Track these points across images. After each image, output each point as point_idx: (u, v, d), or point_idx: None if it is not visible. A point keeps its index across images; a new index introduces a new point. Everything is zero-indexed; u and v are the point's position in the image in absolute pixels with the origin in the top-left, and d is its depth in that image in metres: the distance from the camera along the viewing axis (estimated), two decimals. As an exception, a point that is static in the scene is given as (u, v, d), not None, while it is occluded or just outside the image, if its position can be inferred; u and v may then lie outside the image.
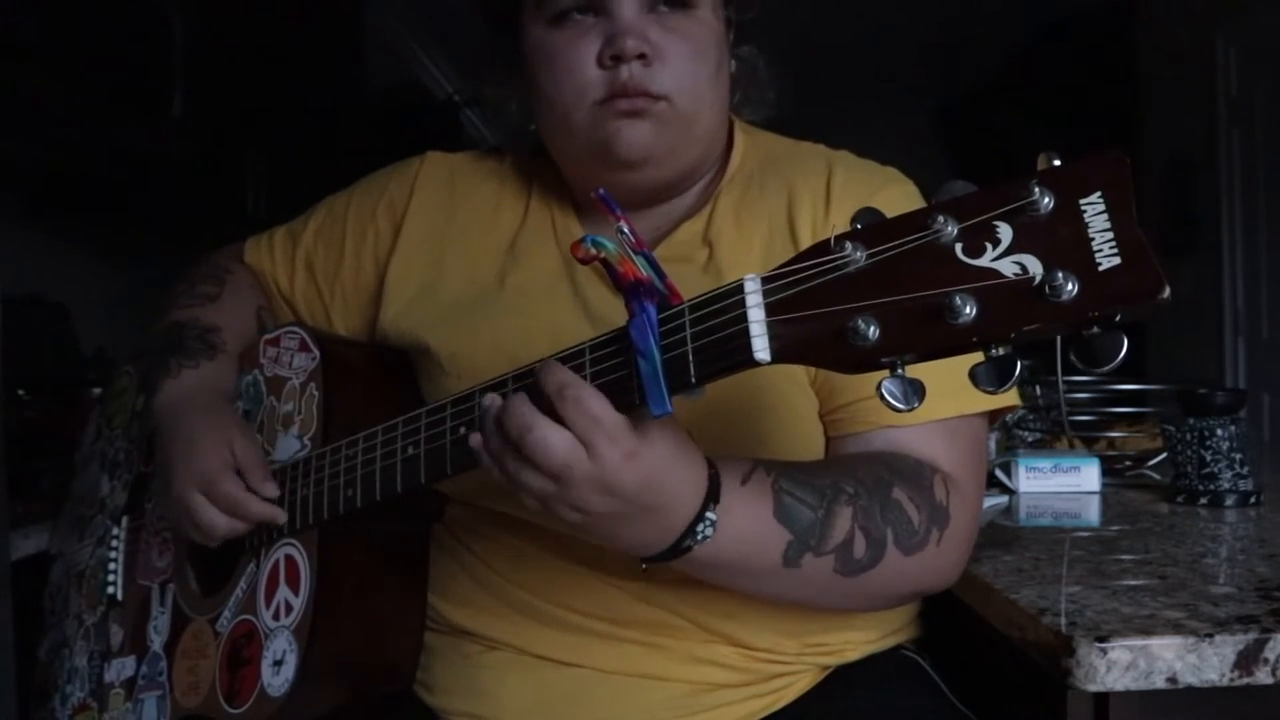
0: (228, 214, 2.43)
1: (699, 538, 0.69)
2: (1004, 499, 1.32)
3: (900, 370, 0.54)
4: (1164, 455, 1.44)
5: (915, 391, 0.54)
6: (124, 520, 1.08)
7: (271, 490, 0.89)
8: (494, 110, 0.99)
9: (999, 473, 1.37)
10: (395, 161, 1.06)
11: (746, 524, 0.71)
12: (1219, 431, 1.20)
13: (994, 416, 0.90)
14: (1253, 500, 1.20)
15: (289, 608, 0.88)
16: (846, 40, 4.60)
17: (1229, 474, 1.20)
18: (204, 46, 2.24)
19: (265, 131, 2.56)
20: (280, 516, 0.89)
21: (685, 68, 0.85)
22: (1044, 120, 4.74)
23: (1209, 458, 1.20)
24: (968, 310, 0.50)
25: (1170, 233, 3.79)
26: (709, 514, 0.69)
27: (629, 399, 0.63)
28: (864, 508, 0.74)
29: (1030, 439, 1.60)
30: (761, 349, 0.57)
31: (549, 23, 0.86)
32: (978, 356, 0.53)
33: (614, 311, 0.87)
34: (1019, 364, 0.51)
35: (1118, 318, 0.49)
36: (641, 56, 0.83)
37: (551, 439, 0.62)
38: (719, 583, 0.77)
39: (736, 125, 0.97)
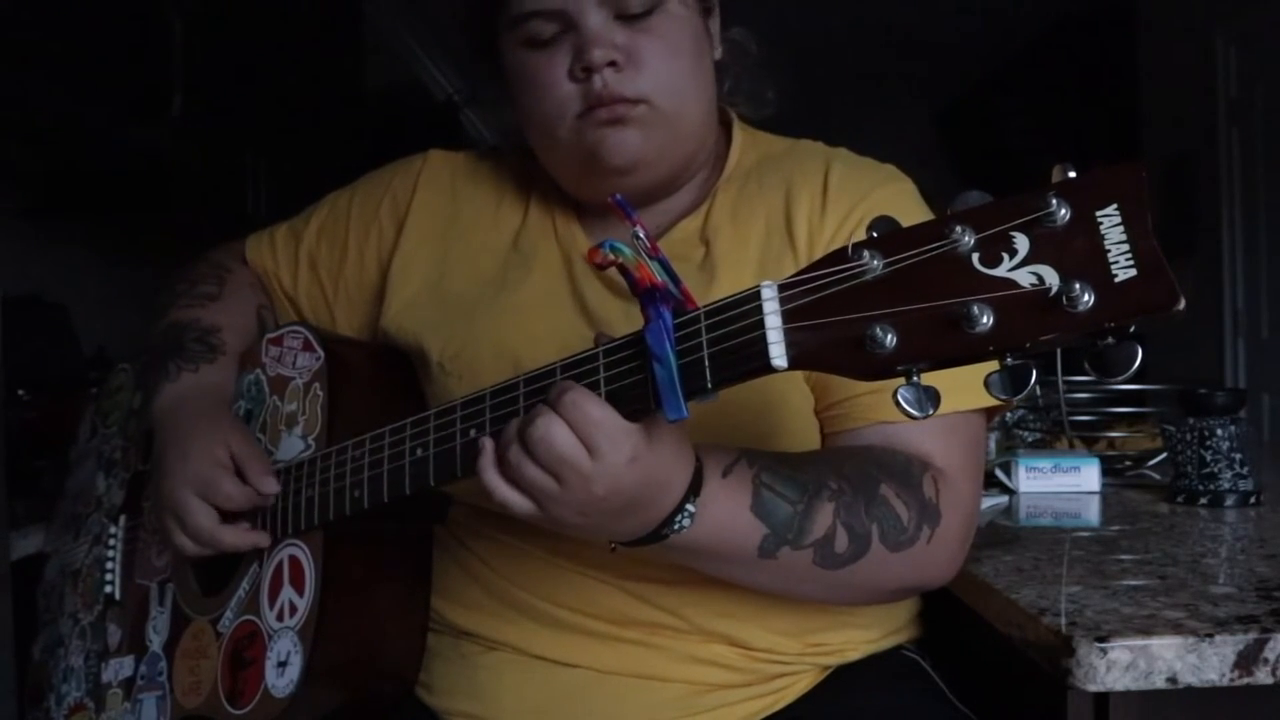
0: (228, 214, 2.43)
1: (676, 527, 0.70)
2: (1004, 499, 1.32)
3: (916, 378, 0.55)
4: (1164, 455, 1.44)
5: (930, 399, 0.55)
6: (121, 519, 1.08)
7: (271, 486, 0.89)
8: (493, 110, 0.99)
9: (999, 473, 1.37)
10: (395, 161, 1.06)
11: (723, 516, 0.72)
12: (1219, 431, 1.20)
13: (991, 413, 0.90)
14: (1253, 500, 1.20)
15: (293, 609, 0.88)
16: (847, 40, 4.60)
17: (1229, 474, 1.20)
18: (204, 46, 2.23)
19: (265, 131, 2.56)
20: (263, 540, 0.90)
21: (660, 66, 0.85)
22: (1044, 120, 4.74)
23: (1209, 458, 1.20)
24: (985, 319, 0.51)
25: (1170, 233, 3.78)
26: (689, 505, 0.70)
27: (644, 404, 0.63)
28: (847, 504, 0.75)
29: (1030, 439, 1.60)
30: (779, 356, 0.57)
31: (523, 45, 0.86)
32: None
33: (613, 312, 0.87)
34: (1034, 373, 0.52)
35: (1132, 328, 0.49)
36: (612, 64, 0.83)
37: (555, 431, 0.63)
38: (694, 567, 0.78)
39: (735, 124, 0.97)
